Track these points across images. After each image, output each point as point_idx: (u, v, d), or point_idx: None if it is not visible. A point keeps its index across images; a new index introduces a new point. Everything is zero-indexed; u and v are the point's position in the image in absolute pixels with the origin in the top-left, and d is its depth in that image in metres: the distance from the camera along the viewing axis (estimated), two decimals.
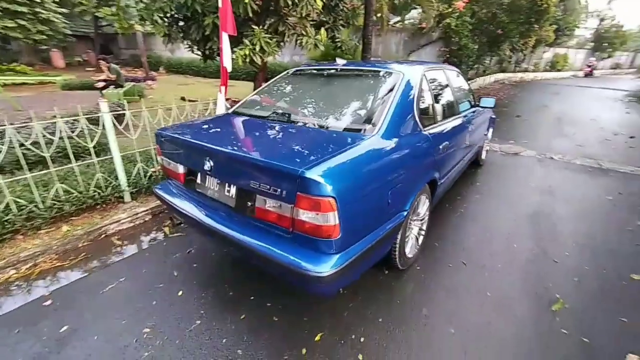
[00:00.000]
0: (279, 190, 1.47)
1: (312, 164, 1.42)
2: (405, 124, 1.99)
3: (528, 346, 1.75)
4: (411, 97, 2.12)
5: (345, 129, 1.92)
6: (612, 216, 3.28)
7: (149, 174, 3.46)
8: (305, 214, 1.42)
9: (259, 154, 1.64)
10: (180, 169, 2.06)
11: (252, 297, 2.12)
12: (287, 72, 2.89)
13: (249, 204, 1.67)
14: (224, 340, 1.79)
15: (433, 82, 2.58)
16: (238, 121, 2.34)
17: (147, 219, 3.19)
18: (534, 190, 3.86)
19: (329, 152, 1.56)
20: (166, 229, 3.00)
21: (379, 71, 2.37)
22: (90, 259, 2.55)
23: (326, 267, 1.43)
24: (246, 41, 4.56)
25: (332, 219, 1.40)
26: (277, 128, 2.06)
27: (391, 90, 2.11)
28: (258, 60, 4.81)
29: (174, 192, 2.20)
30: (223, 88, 3.75)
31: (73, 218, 2.95)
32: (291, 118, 2.15)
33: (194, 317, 1.95)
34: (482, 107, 3.62)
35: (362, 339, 1.79)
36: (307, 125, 2.04)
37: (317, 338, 1.80)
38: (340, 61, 2.64)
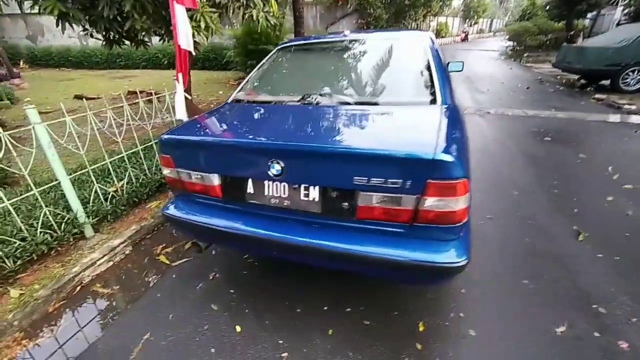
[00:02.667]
0: (400, 181, 1.25)
1: (440, 145, 1.24)
2: (451, 90, 1.91)
3: None
4: (442, 62, 2.05)
5: (410, 103, 1.75)
6: (551, 146, 3.94)
7: (110, 195, 2.69)
8: (434, 201, 1.25)
9: (367, 144, 1.36)
10: (216, 181, 1.61)
11: (325, 308, 1.87)
12: (279, 50, 2.50)
13: (345, 204, 1.40)
14: None
15: None
16: (267, 110, 1.94)
17: (128, 252, 2.51)
18: (493, 141, 4.34)
19: (434, 130, 1.39)
20: (162, 258, 2.41)
21: (399, 38, 2.22)
22: (74, 324, 1.88)
23: (464, 255, 1.31)
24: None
25: (464, 201, 1.27)
26: (329, 111, 1.76)
27: (426, 56, 2.01)
28: (203, 40, 4.10)
29: (201, 210, 1.73)
30: (181, 76, 3.07)
31: (21, 276, 2.12)
32: (334, 99, 1.86)
33: (276, 352, 1.63)
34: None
35: (461, 314, 1.77)
36: (360, 103, 1.80)
37: (421, 328, 1.71)
38: (346, 32, 2.39)
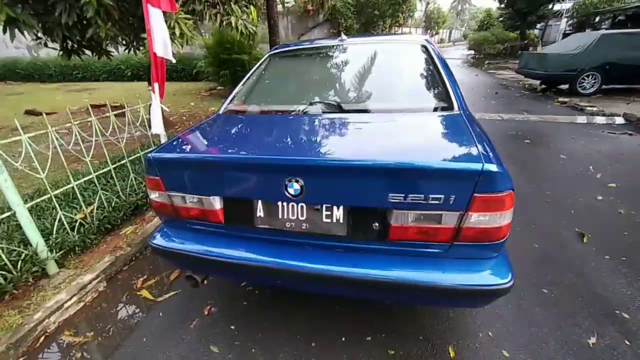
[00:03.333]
0: (443, 196, 1.10)
1: (485, 155, 1.12)
2: (462, 95, 1.83)
3: None
4: (447, 65, 1.97)
5: (432, 109, 1.63)
6: (532, 148, 4.06)
7: (77, 223, 2.33)
8: (480, 217, 1.12)
9: (404, 157, 1.20)
10: (217, 204, 1.37)
11: (343, 339, 1.67)
12: (271, 55, 2.31)
13: (375, 225, 1.23)
14: None
15: None
16: (270, 121, 1.75)
17: (102, 289, 2.16)
18: None
19: (470, 135, 1.27)
20: (145, 293, 2.09)
21: (400, 42, 2.13)
22: None
23: (508, 274, 1.18)
24: None
25: (509, 215, 1.15)
26: (344, 121, 1.60)
27: (430, 59, 1.92)
28: (178, 48, 3.81)
29: (197, 238, 1.48)
30: (157, 86, 2.78)
31: None
32: (343, 108, 1.69)
33: None
34: None
35: (489, 334, 1.65)
36: (374, 111, 1.66)
37: (451, 354, 1.56)
38: (343, 36, 2.26)
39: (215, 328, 1.78)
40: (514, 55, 17.61)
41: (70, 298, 1.97)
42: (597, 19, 15.84)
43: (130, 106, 2.81)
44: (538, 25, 19.41)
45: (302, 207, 1.27)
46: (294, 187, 1.20)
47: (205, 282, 1.79)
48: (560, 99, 7.07)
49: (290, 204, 1.28)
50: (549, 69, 7.71)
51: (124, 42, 4.43)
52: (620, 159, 3.83)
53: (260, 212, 1.34)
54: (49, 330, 1.83)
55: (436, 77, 1.80)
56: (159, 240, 1.53)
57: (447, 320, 1.74)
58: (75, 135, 2.29)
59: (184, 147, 1.50)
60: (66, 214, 2.27)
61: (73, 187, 2.30)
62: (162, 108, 2.93)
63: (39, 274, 2.08)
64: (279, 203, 1.29)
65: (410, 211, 1.16)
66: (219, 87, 9.86)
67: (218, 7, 3.86)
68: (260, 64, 2.25)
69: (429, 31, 36.69)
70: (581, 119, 5.64)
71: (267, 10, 6.62)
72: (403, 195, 1.13)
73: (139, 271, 2.31)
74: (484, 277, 1.17)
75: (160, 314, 1.92)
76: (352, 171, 1.17)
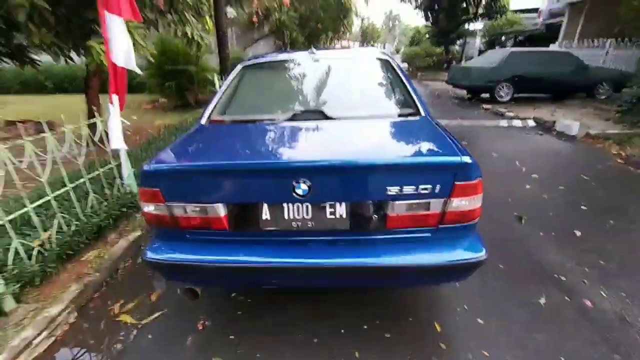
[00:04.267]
0: (430, 186, 1.31)
1: (460, 150, 1.36)
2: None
3: None
4: (407, 77, 2.25)
5: (402, 114, 1.86)
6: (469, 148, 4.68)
7: (35, 251, 2.09)
8: (460, 202, 1.35)
9: (398, 155, 1.38)
10: (221, 211, 1.41)
11: (342, 331, 1.78)
12: (244, 67, 2.38)
13: (375, 217, 1.39)
14: None
15: None
16: (261, 129, 1.81)
17: (73, 320, 1.97)
18: None
19: (442, 135, 1.51)
20: (125, 317, 1.97)
21: (365, 55, 2.37)
22: None
23: (482, 249, 1.43)
24: None
25: (480, 199, 1.41)
26: (331, 126, 1.75)
27: (393, 70, 2.19)
28: None
29: (198, 247, 1.48)
30: (116, 98, 2.64)
31: None
32: (327, 114, 1.84)
33: None
34: None
35: (465, 307, 1.91)
36: (355, 117, 1.84)
37: (438, 328, 1.77)
38: (313, 49, 2.43)
39: (214, 340, 1.76)
40: (441, 67, 19.76)
41: (39, 334, 1.77)
42: (503, 38, 18.65)
43: (59, 124, 2.56)
44: (458, 42, 22.14)
45: (307, 206, 1.38)
46: (302, 188, 1.30)
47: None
48: (485, 106, 8.19)
49: (296, 204, 1.38)
50: (472, 80, 8.89)
51: (60, 50, 4.03)
52: (537, 154, 4.62)
53: (266, 215, 1.41)
54: None
55: (402, 86, 2.07)
56: (154, 255, 1.49)
57: (429, 301, 1.97)
58: (29, 153, 2.07)
59: (181, 156, 1.50)
60: (22, 241, 2.03)
61: (29, 211, 2.06)
62: (119, 122, 2.78)
63: None
64: (285, 204, 1.38)
65: (404, 201, 1.34)
66: (161, 100, 9.34)
67: (172, 15, 3.77)
68: (234, 76, 2.30)
69: (364, 44, 39.21)
70: (503, 123, 6.63)
71: (216, 21, 6.55)
72: (398, 187, 1.31)
73: (113, 296, 2.15)
74: (465, 253, 1.40)
75: (150, 335, 1.82)
76: (356, 170, 1.33)
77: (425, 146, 1.52)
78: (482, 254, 1.40)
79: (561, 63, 8.47)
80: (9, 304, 1.89)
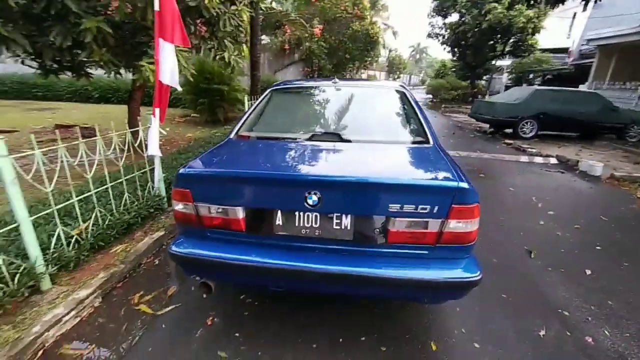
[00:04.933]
0: (429, 207, 1.45)
1: (459, 176, 1.49)
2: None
3: None
4: (421, 107, 2.44)
5: (412, 142, 2.03)
6: (486, 181, 4.70)
7: (74, 239, 2.35)
8: (457, 223, 1.47)
9: (401, 176, 1.54)
10: (240, 214, 1.60)
11: (340, 340, 1.87)
12: (273, 91, 2.66)
13: (376, 231, 1.53)
14: None
15: None
16: (282, 146, 2.02)
17: (97, 304, 2.17)
18: None
19: (445, 163, 1.66)
20: (143, 307, 2.15)
21: (383, 87, 2.59)
22: None
23: (478, 270, 1.52)
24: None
25: (477, 223, 1.52)
26: (346, 148, 1.94)
27: (407, 102, 2.38)
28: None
29: (218, 245, 1.67)
30: (157, 111, 2.98)
31: None
32: (343, 137, 2.04)
33: None
34: None
35: (463, 330, 1.95)
36: (368, 141, 2.03)
37: (433, 347, 1.82)
38: (335, 79, 2.68)
39: (220, 336, 1.90)
40: (465, 101, 19.87)
41: (68, 312, 1.98)
42: (531, 75, 18.63)
43: (104, 129, 2.85)
44: (484, 77, 22.31)
45: (316, 216, 1.54)
46: (313, 199, 1.47)
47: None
48: (507, 141, 8.17)
49: (307, 213, 1.54)
50: (496, 114, 8.93)
51: (115, 66, 4.55)
52: (556, 192, 4.58)
53: (279, 221, 1.58)
54: (47, 344, 1.82)
55: (415, 117, 2.25)
56: (179, 249, 1.69)
57: (427, 321, 2.02)
58: (81, 153, 2.39)
59: (210, 164, 1.73)
60: (65, 229, 2.30)
61: (74, 203, 2.35)
62: (158, 132, 3.10)
63: (31, 290, 2.06)
64: (297, 213, 1.55)
65: (405, 219, 1.48)
66: (193, 115, 10.00)
67: (213, 42, 4.22)
68: (264, 98, 2.57)
69: (390, 75, 40.14)
70: (524, 159, 6.59)
71: (251, 47, 7.14)
72: (400, 205, 1.45)
73: (134, 288, 2.35)
74: (461, 272, 1.50)
75: (163, 325, 1.99)
76: (362, 186, 1.49)
77: (428, 170, 1.66)
78: (476, 275, 1.49)
79: (588, 103, 8.39)
80: (46, 284, 2.12)
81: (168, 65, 2.79)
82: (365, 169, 1.70)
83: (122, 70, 5.03)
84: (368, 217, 1.53)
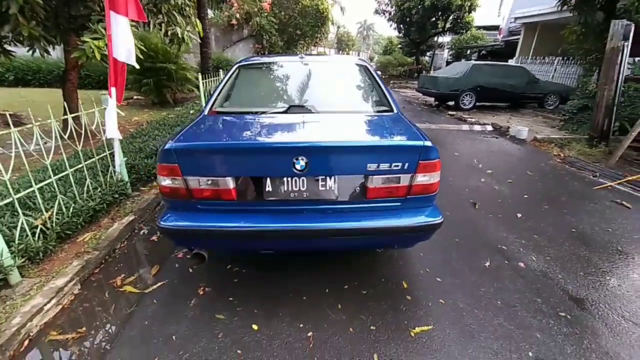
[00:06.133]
0: (400, 164, 1.68)
1: (423, 136, 1.74)
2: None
3: None
4: (382, 80, 2.66)
5: (378, 111, 2.25)
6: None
7: (38, 229, 2.23)
8: (423, 177, 1.73)
9: (376, 139, 1.75)
10: (230, 183, 1.69)
11: (326, 290, 2.11)
12: (240, 67, 2.67)
13: (357, 189, 1.74)
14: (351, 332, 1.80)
15: None
16: (260, 118, 2.10)
17: (77, 292, 2.13)
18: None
19: (410, 127, 1.90)
20: (129, 288, 2.16)
21: (348, 62, 2.75)
22: None
23: (440, 215, 1.82)
24: (100, 28, 3.48)
25: (438, 176, 1.80)
26: (324, 117, 2.09)
27: (371, 75, 2.58)
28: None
29: (210, 215, 1.75)
30: (114, 90, 2.82)
31: None
32: (318, 109, 2.18)
33: (301, 333, 1.78)
34: None
35: (427, 269, 2.31)
36: (341, 111, 2.20)
37: (405, 285, 2.15)
38: (302, 55, 2.76)
39: (215, 302, 2.01)
40: (411, 76, 20.89)
41: (49, 301, 1.93)
42: (468, 51, 20.08)
43: (34, 117, 2.67)
44: (428, 53, 23.51)
45: (303, 180, 1.70)
46: (301, 164, 1.62)
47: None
48: (450, 112, 8.94)
49: (294, 178, 1.69)
50: (440, 88, 9.65)
51: (48, 42, 4.05)
52: (492, 154, 5.25)
53: (268, 187, 1.71)
54: (32, 334, 1.79)
55: (379, 88, 2.46)
56: (169, 223, 1.74)
57: (398, 266, 2.35)
58: (36, 138, 2.21)
59: (196, 138, 1.77)
60: (27, 219, 2.16)
61: (35, 191, 2.21)
62: (115, 113, 2.94)
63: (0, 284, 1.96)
64: (285, 178, 1.69)
65: (381, 176, 1.70)
66: (137, 97, 9.24)
67: (162, 16, 3.94)
68: (232, 73, 2.58)
69: (339, 51, 40.22)
70: (465, 127, 7.33)
71: (199, 22, 6.70)
72: (376, 165, 1.67)
73: (114, 272, 2.32)
74: (428, 218, 1.78)
75: (154, 301, 2.04)
76: (344, 150, 1.67)
77: (397, 134, 1.90)
78: (439, 218, 1.79)
79: (516, 76, 9.46)
80: (15, 277, 2.02)
81: (123, 41, 2.62)
82: (345, 135, 1.88)
83: (49, 48, 4.50)
84: (350, 177, 1.73)
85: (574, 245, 2.68)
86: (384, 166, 1.67)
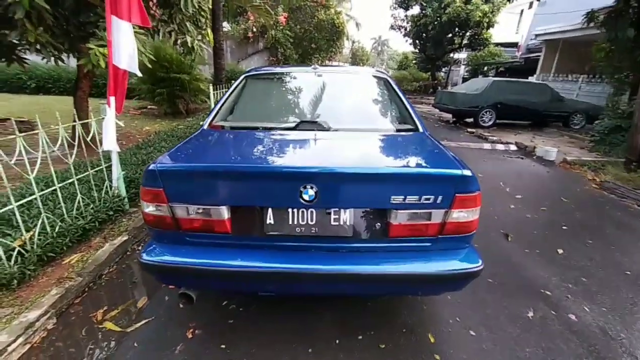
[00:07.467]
0: (433, 197, 1.36)
1: (460, 164, 1.43)
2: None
3: None
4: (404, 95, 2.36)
5: (401, 130, 1.94)
6: None
7: (16, 251, 1.99)
8: (460, 213, 1.40)
9: (403, 165, 1.43)
10: (225, 214, 1.40)
11: (337, 342, 1.76)
12: (247, 77, 2.42)
13: (378, 225, 1.42)
14: None
15: None
16: (266, 136, 1.83)
17: (51, 327, 1.86)
18: None
19: (442, 150, 1.58)
20: (109, 325, 1.88)
21: (365, 73, 2.47)
22: None
23: (479, 260, 1.48)
24: (106, 35, 3.32)
25: (478, 211, 1.47)
26: (337, 137, 1.81)
27: (392, 88, 2.29)
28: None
29: (199, 250, 1.46)
30: (112, 99, 2.62)
31: None
32: (332, 126, 1.89)
33: None
34: None
35: (457, 319, 1.94)
36: (358, 129, 1.91)
37: (432, 339, 1.78)
38: (315, 65, 2.51)
39: (205, 349, 1.70)
40: (426, 92, 20.58)
41: (15, 340, 1.66)
42: (486, 68, 19.73)
43: (45, 123, 2.45)
44: (444, 69, 23.24)
45: (312, 212, 1.40)
46: (309, 193, 1.32)
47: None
48: (469, 130, 8.55)
49: (301, 210, 1.39)
50: (458, 104, 9.30)
51: (56, 49, 3.96)
52: (519, 176, 4.84)
53: (270, 220, 1.41)
54: None
55: (401, 103, 2.16)
56: (152, 257, 1.45)
57: (422, 313, 1.99)
58: (19, 148, 2.00)
59: (186, 158, 1.50)
60: (3, 240, 1.93)
61: (14, 209, 1.98)
62: (114, 124, 2.74)
63: None
64: (290, 209, 1.39)
65: (407, 210, 1.38)
66: (150, 106, 9.25)
67: (172, 24, 3.80)
68: (238, 85, 2.34)
69: (354, 66, 40.58)
70: (487, 146, 6.93)
71: (213, 33, 6.65)
72: (403, 197, 1.35)
73: (96, 303, 2.05)
74: (463, 263, 1.45)
75: (135, 344, 1.74)
76: (364, 177, 1.36)
77: (428, 159, 1.59)
78: (479, 265, 1.45)
79: (539, 94, 9.03)
80: None
81: (124, 48, 2.43)
82: (364, 159, 1.58)
83: (64, 56, 4.44)
84: (369, 210, 1.42)
85: (631, 291, 2.26)
86: (411, 199, 1.36)
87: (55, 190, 2.33)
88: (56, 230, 2.27)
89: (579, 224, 3.28)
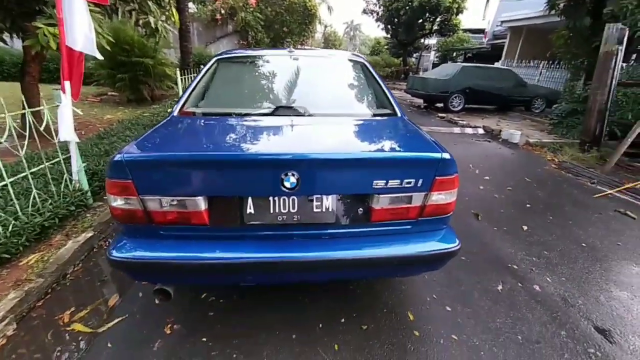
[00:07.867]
0: (413, 180, 1.37)
1: (439, 147, 1.44)
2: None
3: None
4: (382, 79, 2.35)
5: (380, 114, 1.93)
6: None
7: None
8: (439, 195, 1.43)
9: (385, 149, 1.42)
10: (202, 205, 1.33)
11: (320, 326, 1.78)
12: (219, 60, 2.29)
13: (360, 210, 1.42)
14: None
15: None
16: (241, 122, 1.74)
17: (11, 333, 1.72)
18: None
19: (420, 134, 1.59)
20: (78, 326, 1.77)
21: (342, 57, 2.42)
22: None
23: (456, 240, 1.53)
24: (56, 13, 3.00)
25: (456, 193, 1.51)
26: (317, 122, 1.76)
27: (369, 73, 2.27)
28: None
29: (173, 244, 1.39)
30: (68, 85, 2.39)
31: None
32: (310, 111, 1.84)
33: None
34: None
35: (434, 296, 2.02)
36: (338, 114, 1.87)
37: (411, 317, 1.85)
38: (291, 48, 2.41)
39: (185, 344, 1.65)
40: (398, 78, 20.82)
41: None
42: (454, 54, 20.23)
43: None
44: (415, 55, 23.55)
45: (293, 199, 1.37)
46: (291, 181, 1.29)
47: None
48: (440, 114, 8.79)
49: (282, 197, 1.36)
50: (429, 90, 9.49)
51: None
52: (487, 159, 5.07)
53: (250, 209, 1.37)
54: None
55: (379, 88, 2.15)
56: (122, 253, 1.36)
57: (401, 294, 2.05)
58: None
59: (157, 146, 1.40)
60: None
61: None
62: (71, 112, 2.51)
63: None
64: (271, 198, 1.35)
65: (389, 195, 1.39)
66: (111, 93, 8.63)
67: (133, 3, 3.50)
68: (209, 68, 2.21)
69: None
70: (457, 130, 7.16)
71: (178, 14, 6.23)
72: (385, 181, 1.35)
73: (62, 304, 1.92)
74: (442, 244, 1.49)
75: (109, 344, 1.65)
76: (347, 163, 1.35)
77: (408, 143, 1.60)
78: (456, 244, 1.50)
79: (504, 79, 9.43)
80: None
81: (79, 27, 2.20)
82: (346, 144, 1.56)
83: (6, 36, 3.98)
84: (351, 196, 1.41)
85: (587, 262, 2.46)
86: (393, 183, 1.36)
87: (5, 185, 2.11)
88: (9, 229, 2.08)
89: (541, 202, 3.51)
